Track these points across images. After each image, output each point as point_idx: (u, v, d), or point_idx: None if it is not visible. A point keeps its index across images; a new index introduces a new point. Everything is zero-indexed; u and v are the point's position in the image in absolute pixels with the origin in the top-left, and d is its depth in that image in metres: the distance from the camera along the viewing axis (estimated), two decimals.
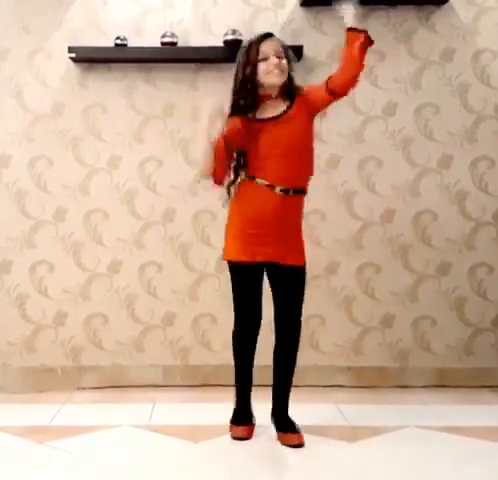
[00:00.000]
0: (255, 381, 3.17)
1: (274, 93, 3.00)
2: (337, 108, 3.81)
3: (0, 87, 3.87)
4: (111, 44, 3.78)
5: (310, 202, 3.79)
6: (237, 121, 2.98)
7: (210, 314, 3.92)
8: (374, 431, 3.21)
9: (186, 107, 3.86)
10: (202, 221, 3.91)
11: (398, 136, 3.90)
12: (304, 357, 3.89)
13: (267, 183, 2.96)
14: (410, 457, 2.94)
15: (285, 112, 2.98)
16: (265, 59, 2.95)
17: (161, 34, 3.78)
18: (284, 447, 3.03)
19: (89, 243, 3.93)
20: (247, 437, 3.10)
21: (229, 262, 3.05)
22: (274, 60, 2.94)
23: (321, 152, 3.87)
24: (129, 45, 3.78)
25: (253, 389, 3.19)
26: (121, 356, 3.94)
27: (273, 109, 3.00)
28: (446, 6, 3.84)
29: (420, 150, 3.90)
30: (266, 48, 2.95)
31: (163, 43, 3.77)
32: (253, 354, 3.13)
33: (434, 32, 3.87)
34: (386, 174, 3.91)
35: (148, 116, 3.89)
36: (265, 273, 3.08)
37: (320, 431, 3.20)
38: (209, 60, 3.82)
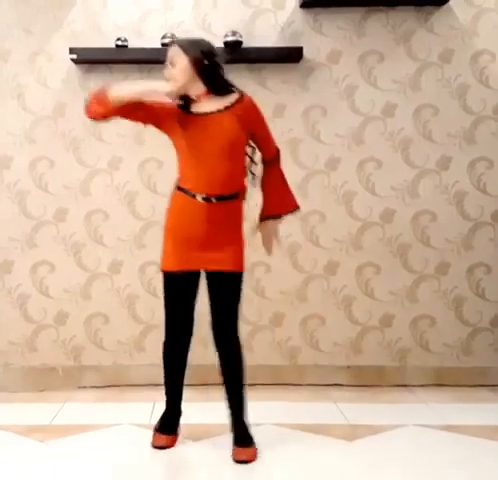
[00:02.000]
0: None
1: (193, 96, 2.89)
2: (336, 109, 3.88)
3: (1, 88, 3.89)
4: (112, 45, 3.79)
5: (310, 203, 3.84)
6: (171, 107, 2.90)
7: (209, 314, 3.89)
8: (373, 430, 3.23)
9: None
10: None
11: (397, 137, 3.92)
12: (304, 356, 3.96)
13: (189, 191, 2.88)
14: (409, 456, 2.96)
15: (218, 111, 2.87)
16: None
17: (161, 35, 3.78)
18: (284, 447, 3.04)
19: (90, 243, 3.94)
20: (168, 446, 3.05)
21: (163, 272, 2.97)
22: (167, 69, 2.89)
23: (320, 153, 3.91)
24: (130, 46, 3.80)
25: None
26: (122, 355, 3.96)
27: (209, 105, 2.89)
28: (445, 7, 3.85)
29: (419, 151, 3.91)
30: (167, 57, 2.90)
31: (163, 44, 3.74)
32: (183, 369, 3.08)
33: (433, 33, 3.87)
34: (385, 175, 3.92)
35: None
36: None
37: (320, 430, 3.22)
38: None
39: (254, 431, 3.16)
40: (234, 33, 3.76)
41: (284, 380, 3.94)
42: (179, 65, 2.85)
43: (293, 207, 3.07)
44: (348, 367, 3.97)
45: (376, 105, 3.90)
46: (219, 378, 3.77)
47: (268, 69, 3.87)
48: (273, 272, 3.95)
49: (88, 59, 3.81)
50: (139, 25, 3.88)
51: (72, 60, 3.80)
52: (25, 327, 3.96)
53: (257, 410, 3.22)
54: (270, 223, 3.07)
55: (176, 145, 2.94)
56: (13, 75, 3.89)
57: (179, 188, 2.93)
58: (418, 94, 3.90)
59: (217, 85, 2.90)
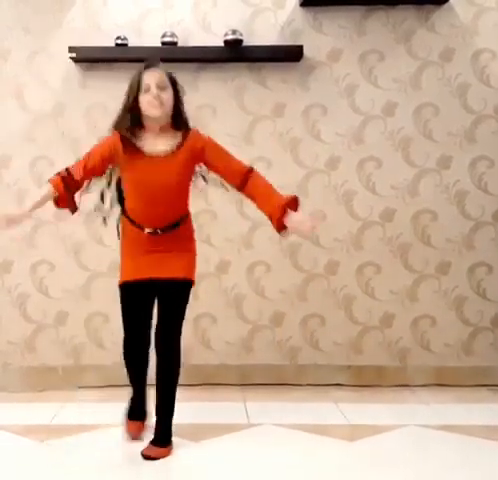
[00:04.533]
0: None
1: (156, 126, 2.88)
2: (337, 108, 3.87)
3: (1, 87, 3.88)
4: (112, 44, 3.80)
5: (310, 202, 3.83)
6: (111, 145, 2.88)
7: (210, 314, 3.92)
8: (374, 430, 3.22)
9: (186, 107, 3.82)
10: (201, 221, 3.81)
11: (397, 136, 3.91)
12: (304, 356, 3.96)
13: (135, 223, 2.95)
14: (410, 456, 2.95)
15: (171, 152, 2.87)
16: (147, 90, 2.83)
17: (161, 34, 3.78)
18: (288, 446, 3.03)
19: (90, 243, 3.93)
20: (135, 433, 3.13)
21: (120, 285, 3.08)
22: (154, 91, 2.82)
23: (321, 152, 3.90)
24: (129, 45, 3.79)
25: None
26: (121, 355, 3.79)
27: (161, 143, 2.88)
28: (446, 6, 3.85)
29: (419, 150, 3.91)
30: (148, 79, 2.83)
31: (163, 43, 3.78)
32: (143, 369, 3.19)
33: (434, 32, 3.88)
34: (385, 174, 3.92)
35: None
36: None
37: (320, 430, 3.21)
38: (210, 60, 3.84)
39: (254, 431, 3.16)
40: (234, 32, 3.77)
41: (284, 380, 3.94)
42: (168, 93, 2.86)
43: (291, 198, 2.90)
44: (348, 367, 3.96)
45: (376, 104, 3.90)
46: (219, 378, 3.85)
47: (268, 68, 3.87)
48: (273, 272, 3.94)
49: (88, 58, 3.82)
50: (139, 24, 3.88)
51: (72, 59, 3.79)
52: (24, 327, 3.95)
53: (257, 410, 3.20)
54: (289, 219, 2.83)
55: (123, 176, 2.96)
56: (13, 74, 3.88)
57: (127, 216, 2.99)
58: (418, 93, 3.90)
59: (181, 121, 2.92)
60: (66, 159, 3.85)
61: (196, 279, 3.86)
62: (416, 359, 3.97)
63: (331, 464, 2.87)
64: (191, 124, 2.97)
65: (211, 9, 3.88)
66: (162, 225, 2.93)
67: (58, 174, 2.92)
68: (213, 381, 3.88)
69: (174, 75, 2.95)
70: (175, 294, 2.98)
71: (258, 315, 3.95)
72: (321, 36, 3.87)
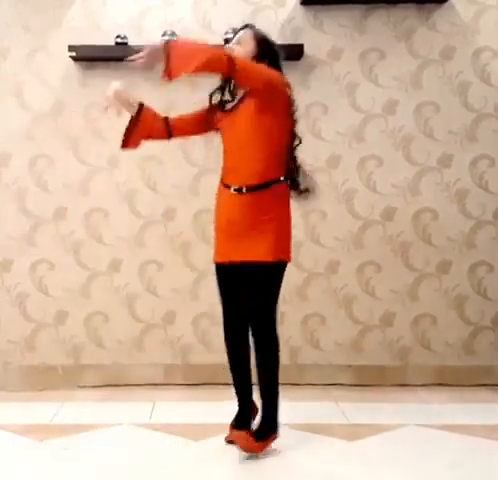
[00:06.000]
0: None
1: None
2: (337, 106, 3.86)
3: (0, 86, 3.87)
4: (111, 43, 3.79)
5: (311, 201, 3.81)
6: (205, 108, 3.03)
7: (210, 313, 3.89)
8: (374, 429, 3.22)
9: (187, 105, 3.73)
10: (203, 220, 3.88)
11: (398, 135, 3.90)
12: (305, 355, 3.95)
13: (224, 183, 2.99)
14: (410, 456, 2.94)
15: (237, 104, 2.97)
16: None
17: (161, 32, 3.76)
18: (284, 446, 3.02)
19: (89, 242, 3.93)
20: (234, 441, 2.96)
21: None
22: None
23: (321, 151, 3.90)
24: (129, 43, 3.76)
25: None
26: (122, 355, 3.94)
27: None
28: (446, 4, 3.84)
29: (420, 149, 3.90)
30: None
31: None
32: (244, 355, 3.08)
33: (434, 30, 3.87)
34: (386, 173, 3.91)
35: None
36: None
37: (321, 429, 3.21)
38: None
39: None
40: (234, 30, 3.64)
41: (284, 380, 3.83)
42: (245, 47, 2.94)
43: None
44: (349, 366, 3.95)
45: (377, 102, 3.89)
46: (219, 378, 3.77)
47: None
48: None
49: (87, 56, 3.80)
50: (139, 22, 3.88)
51: (71, 57, 3.78)
52: (24, 326, 3.94)
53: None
54: None
55: (221, 140, 3.03)
56: (12, 72, 3.87)
57: (221, 180, 3.02)
58: (419, 91, 3.89)
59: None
60: (66, 158, 3.89)
61: (197, 278, 3.92)
62: (417, 358, 3.96)
63: (331, 464, 2.86)
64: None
65: (211, 7, 3.88)
66: (246, 182, 2.90)
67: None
68: (213, 381, 3.86)
69: (264, 35, 3.02)
70: (261, 277, 2.92)
71: None
72: (322, 35, 3.87)
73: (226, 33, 3.75)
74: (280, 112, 2.89)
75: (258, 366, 2.98)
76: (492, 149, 3.90)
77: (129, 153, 3.82)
